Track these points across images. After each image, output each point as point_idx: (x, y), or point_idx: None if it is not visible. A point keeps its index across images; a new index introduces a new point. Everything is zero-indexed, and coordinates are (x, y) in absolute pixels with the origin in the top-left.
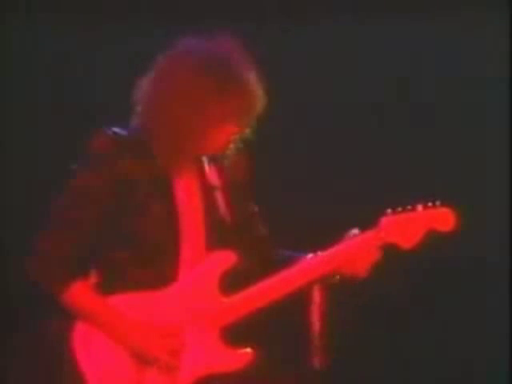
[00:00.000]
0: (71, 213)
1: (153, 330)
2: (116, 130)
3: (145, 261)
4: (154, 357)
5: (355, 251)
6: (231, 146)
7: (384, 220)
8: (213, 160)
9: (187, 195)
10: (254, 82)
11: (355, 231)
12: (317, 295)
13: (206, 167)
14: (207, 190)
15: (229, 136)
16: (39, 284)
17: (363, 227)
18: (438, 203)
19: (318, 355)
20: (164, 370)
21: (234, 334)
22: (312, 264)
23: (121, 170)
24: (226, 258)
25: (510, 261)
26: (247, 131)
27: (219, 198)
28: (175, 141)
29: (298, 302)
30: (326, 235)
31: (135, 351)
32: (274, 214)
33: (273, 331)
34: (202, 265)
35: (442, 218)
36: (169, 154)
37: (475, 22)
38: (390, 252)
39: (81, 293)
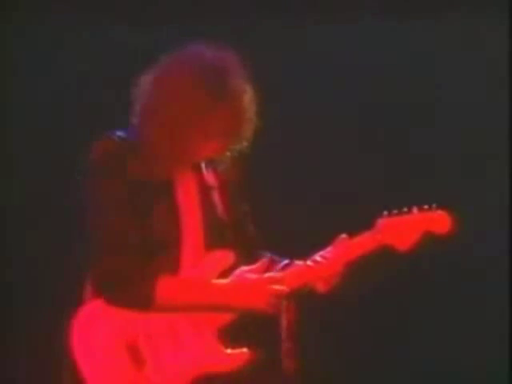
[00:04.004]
0: (119, 225)
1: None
2: (118, 133)
3: (147, 260)
4: (260, 306)
5: (353, 252)
6: (227, 154)
7: (380, 222)
8: (210, 161)
9: (186, 195)
10: (245, 104)
11: (344, 236)
12: (284, 303)
13: (204, 168)
14: (205, 189)
15: (211, 152)
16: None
17: (359, 229)
18: (434, 206)
19: (289, 359)
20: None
21: (231, 334)
22: (312, 265)
23: (129, 173)
24: (225, 258)
25: (509, 262)
26: (245, 145)
27: (216, 197)
28: (163, 147)
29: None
30: (322, 237)
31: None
32: (269, 216)
33: (269, 331)
34: (201, 264)
35: (438, 221)
36: (158, 157)
37: (475, 22)
38: (387, 254)
39: (168, 288)
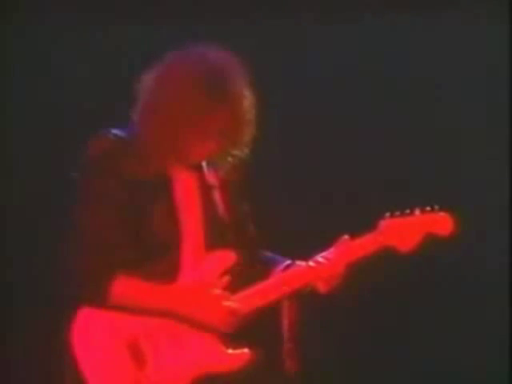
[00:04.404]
0: (94, 221)
1: (208, 296)
2: (115, 131)
3: (147, 260)
4: (213, 323)
5: (355, 254)
6: (229, 160)
7: (382, 223)
8: (211, 161)
9: (186, 195)
10: (244, 108)
11: (346, 237)
12: (285, 303)
13: (205, 167)
14: (205, 189)
15: (209, 153)
16: (85, 298)
17: (362, 230)
18: (436, 207)
19: (291, 359)
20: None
21: (232, 334)
22: (314, 266)
23: (124, 171)
24: (226, 258)
25: (509, 262)
26: (245, 151)
27: (217, 197)
28: (161, 146)
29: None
30: (323, 237)
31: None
32: (271, 217)
33: (270, 332)
34: (202, 264)
35: (440, 223)
36: (156, 157)
37: (475, 22)
38: (389, 255)
39: (127, 285)
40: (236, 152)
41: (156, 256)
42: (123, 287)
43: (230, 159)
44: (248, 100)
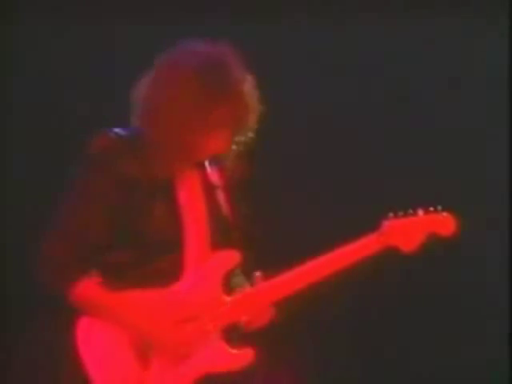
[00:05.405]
0: (77, 213)
1: (163, 321)
2: (117, 130)
3: (148, 260)
4: (161, 346)
5: (358, 254)
6: (233, 148)
7: (386, 223)
8: (214, 160)
9: (190, 194)
10: (247, 92)
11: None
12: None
13: (208, 166)
14: (209, 188)
15: (217, 147)
16: (47, 285)
17: (365, 230)
18: (439, 208)
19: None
20: (171, 360)
21: (236, 334)
22: (315, 265)
23: (122, 170)
24: (231, 258)
25: (509, 264)
26: (250, 136)
27: (221, 196)
28: (168, 145)
29: (297, 302)
30: (327, 238)
31: (144, 341)
32: (274, 217)
33: (273, 331)
34: (206, 264)
35: (443, 223)
36: (162, 157)
37: (475, 22)
38: (391, 255)
39: (89, 289)
40: (240, 138)
41: (159, 255)
42: (85, 289)
43: (234, 147)
44: (249, 83)
